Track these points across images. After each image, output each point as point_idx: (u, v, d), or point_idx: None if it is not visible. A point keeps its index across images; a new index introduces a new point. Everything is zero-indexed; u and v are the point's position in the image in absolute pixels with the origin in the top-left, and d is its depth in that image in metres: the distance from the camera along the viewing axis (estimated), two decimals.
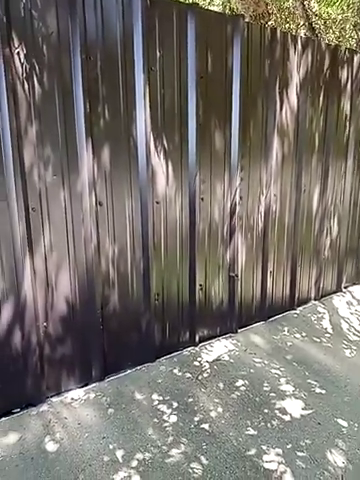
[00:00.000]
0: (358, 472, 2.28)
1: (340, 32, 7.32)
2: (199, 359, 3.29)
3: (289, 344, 3.59)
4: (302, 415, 2.70)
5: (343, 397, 2.90)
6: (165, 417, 2.63)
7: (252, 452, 2.37)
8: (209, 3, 7.11)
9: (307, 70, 3.73)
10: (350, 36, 7.27)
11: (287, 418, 2.67)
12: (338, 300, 4.56)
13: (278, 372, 3.16)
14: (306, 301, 4.41)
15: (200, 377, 3.05)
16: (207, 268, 3.43)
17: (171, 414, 2.65)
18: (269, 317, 4.01)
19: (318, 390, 2.96)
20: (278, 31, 3.46)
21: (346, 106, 4.22)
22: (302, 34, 6.65)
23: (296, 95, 3.72)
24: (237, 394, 2.88)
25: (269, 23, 5.89)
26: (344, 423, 2.64)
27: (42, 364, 2.68)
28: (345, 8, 6.30)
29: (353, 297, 4.67)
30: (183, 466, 2.26)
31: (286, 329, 3.86)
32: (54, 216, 2.56)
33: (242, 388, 2.94)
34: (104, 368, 2.95)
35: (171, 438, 2.45)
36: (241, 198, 3.50)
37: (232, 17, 3.21)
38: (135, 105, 2.75)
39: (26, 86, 2.32)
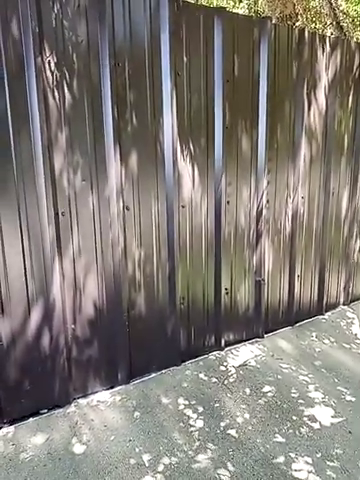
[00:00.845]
0: None
1: None
2: (225, 364, 3.26)
3: (317, 350, 3.52)
4: (332, 423, 2.63)
5: None
6: (191, 422, 2.62)
7: (280, 460, 2.33)
8: (233, 6, 7.09)
9: (336, 70, 3.66)
10: None
11: (316, 426, 2.61)
12: None
13: (306, 378, 3.09)
14: (335, 306, 4.31)
15: (226, 382, 3.02)
16: (233, 272, 3.41)
17: (197, 419, 2.64)
18: (296, 322, 3.94)
19: (348, 398, 2.88)
20: (306, 32, 3.41)
21: None
22: (329, 33, 6.54)
23: (324, 96, 3.65)
24: (264, 400, 2.83)
25: (296, 24, 5.83)
26: None
27: (69, 366, 2.72)
28: None
29: None
30: (209, 472, 2.24)
31: (314, 334, 3.78)
32: (83, 220, 2.60)
33: (269, 394, 2.90)
34: (130, 371, 2.97)
35: (197, 443, 2.44)
36: (268, 201, 3.46)
37: (259, 20, 3.19)
38: (162, 110, 2.77)
39: (56, 94, 2.38)
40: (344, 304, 4.39)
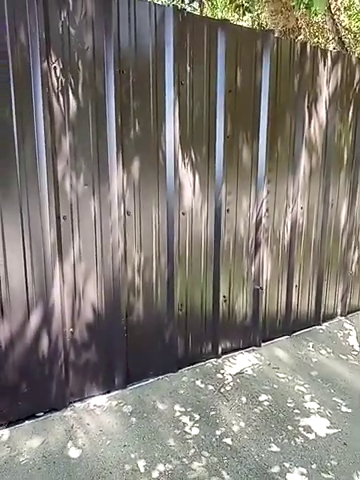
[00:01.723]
0: None
1: None
2: (222, 371, 3.26)
3: (314, 360, 3.52)
4: (327, 434, 2.63)
5: None
6: (187, 429, 2.61)
7: (275, 470, 2.33)
8: (238, 19, 7.21)
9: (337, 84, 3.72)
10: None
11: (311, 436, 2.60)
12: None
13: (302, 388, 3.10)
14: (332, 317, 4.32)
15: (222, 390, 3.02)
16: (231, 280, 3.42)
17: (193, 426, 2.64)
18: (294, 332, 3.94)
19: (344, 409, 2.88)
20: (308, 46, 3.47)
21: None
22: (331, 48, 6.64)
23: (325, 109, 3.71)
24: (260, 409, 2.83)
25: (299, 38, 5.92)
26: None
27: (67, 369, 2.72)
28: None
29: None
30: (204, 479, 2.23)
31: (311, 345, 3.79)
32: (84, 225, 2.62)
33: (265, 403, 2.90)
34: (127, 376, 2.97)
35: (192, 450, 2.44)
36: (267, 211, 3.49)
37: (262, 32, 3.25)
38: (165, 118, 2.82)
39: (61, 99, 2.42)
40: (341, 315, 4.40)
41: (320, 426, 2.70)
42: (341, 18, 7.06)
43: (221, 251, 3.27)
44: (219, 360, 3.41)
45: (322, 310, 4.15)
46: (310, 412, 2.83)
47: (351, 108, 3.91)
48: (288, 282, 3.81)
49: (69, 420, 2.64)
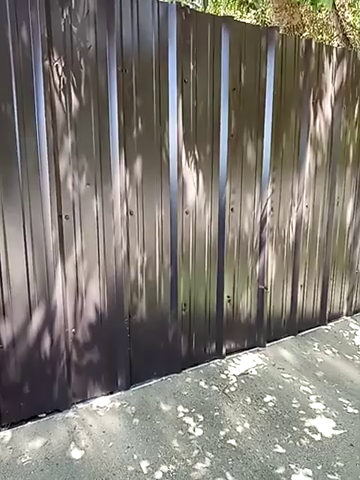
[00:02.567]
0: None
1: None
2: (226, 372, 3.23)
3: (320, 360, 3.48)
4: (333, 435, 2.60)
5: None
6: (190, 430, 2.59)
7: (280, 471, 2.30)
8: (241, 16, 7.16)
9: (342, 81, 3.67)
10: None
11: (317, 437, 2.57)
12: None
13: (308, 389, 3.06)
14: (338, 316, 4.27)
15: (227, 390, 2.99)
16: (235, 280, 3.39)
17: (197, 427, 2.61)
18: (299, 332, 3.91)
19: (350, 410, 2.84)
20: (313, 42, 3.43)
21: None
22: (336, 45, 6.58)
23: (330, 107, 3.67)
24: (265, 410, 2.80)
25: (303, 35, 5.87)
26: None
27: (69, 370, 2.71)
28: None
29: None
30: None
31: (316, 345, 3.75)
32: (86, 224, 2.60)
33: (270, 404, 2.87)
34: (130, 377, 2.95)
35: (196, 451, 2.41)
36: (272, 209, 3.45)
37: (266, 29, 3.21)
38: (168, 116, 2.79)
39: (63, 98, 2.40)
40: (347, 315, 4.36)
41: (326, 427, 2.67)
42: (346, 15, 6.99)
43: (225, 250, 3.24)
44: (223, 361, 3.39)
45: (328, 310, 4.11)
46: (316, 413, 2.80)
47: (356, 105, 3.86)
48: (293, 281, 3.77)
49: (72, 421, 2.62)
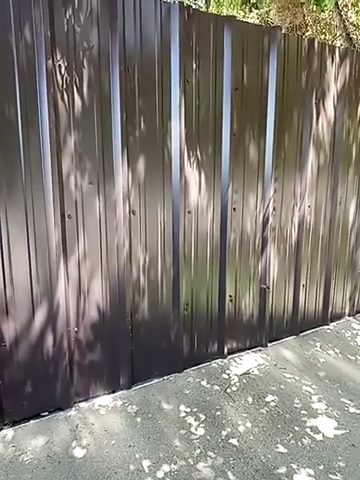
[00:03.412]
0: None
1: None
2: (228, 372, 3.24)
3: (322, 360, 3.48)
4: (335, 435, 2.59)
5: None
6: (192, 429, 2.59)
7: (282, 471, 2.30)
8: (244, 16, 7.16)
9: (345, 81, 3.67)
10: None
11: (319, 437, 2.57)
12: None
13: (310, 389, 3.06)
14: (340, 316, 4.27)
15: (228, 390, 3.00)
16: (237, 279, 3.39)
17: (198, 426, 2.62)
18: (301, 332, 3.90)
19: (352, 410, 2.84)
20: (315, 42, 3.42)
21: None
22: (339, 44, 6.56)
23: (333, 106, 3.66)
24: (266, 409, 2.80)
25: (306, 34, 5.86)
26: None
27: (71, 369, 2.71)
28: None
29: None
30: None
31: (318, 345, 3.74)
32: (89, 223, 2.61)
33: (272, 404, 2.87)
34: (131, 376, 2.96)
35: (198, 451, 2.42)
36: (274, 209, 3.45)
37: (269, 29, 3.21)
38: (170, 116, 2.79)
39: (66, 98, 2.41)
40: (349, 315, 4.35)
41: (328, 427, 2.66)
42: (349, 14, 6.98)
43: (227, 250, 3.24)
44: (225, 360, 3.39)
45: (330, 310, 4.11)
46: (317, 413, 2.80)
47: (359, 105, 3.85)
48: (295, 281, 3.77)
49: (74, 420, 2.63)
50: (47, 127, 2.33)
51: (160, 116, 2.77)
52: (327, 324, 4.11)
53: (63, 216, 2.51)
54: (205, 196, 3.09)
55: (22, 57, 2.23)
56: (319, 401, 2.92)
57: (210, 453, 2.41)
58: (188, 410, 2.76)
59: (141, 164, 2.75)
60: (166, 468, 2.28)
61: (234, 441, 2.51)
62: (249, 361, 3.41)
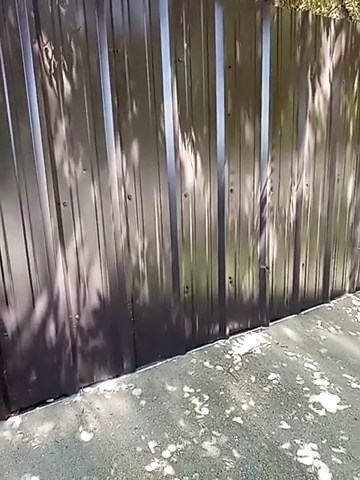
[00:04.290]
0: None
1: None
2: (230, 352, 3.27)
3: (323, 338, 3.51)
4: (338, 410, 2.63)
5: None
6: (196, 409, 2.63)
7: (286, 446, 2.34)
8: None
9: (341, 54, 3.58)
10: None
11: (322, 413, 2.61)
12: None
13: (312, 366, 3.09)
14: (340, 294, 4.29)
15: (231, 370, 3.03)
16: (237, 261, 3.39)
17: (202, 406, 2.65)
18: (301, 310, 3.93)
19: (354, 385, 2.88)
20: (310, 15, 3.33)
21: None
22: (335, 17, 6.39)
23: (329, 81, 3.59)
24: (269, 387, 2.84)
25: (300, 7, 5.69)
26: None
27: (75, 355, 2.74)
28: None
29: None
30: (215, 458, 2.25)
31: (319, 322, 3.77)
32: (84, 210, 2.59)
33: (274, 382, 2.90)
34: (135, 360, 2.99)
35: (203, 430, 2.45)
36: (272, 189, 3.42)
37: (261, 2, 3.12)
38: (163, 97, 2.74)
39: (55, 82, 2.35)
40: (350, 292, 4.37)
41: (330, 403, 2.70)
42: None
43: (225, 232, 3.23)
44: (227, 341, 3.42)
45: (330, 288, 4.12)
46: (320, 389, 2.83)
47: (356, 79, 3.78)
48: (295, 261, 3.77)
49: (79, 405, 2.67)
50: (37, 114, 2.29)
51: (152, 98, 2.71)
52: (328, 302, 4.13)
53: (58, 204, 2.49)
54: (201, 178, 3.06)
55: (7, 41, 2.16)
56: (321, 378, 2.96)
57: (215, 432, 2.45)
58: (192, 391, 2.80)
59: (135, 148, 2.71)
60: (172, 448, 2.32)
61: (238, 419, 2.55)
62: (251, 341, 3.44)
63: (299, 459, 2.25)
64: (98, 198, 2.62)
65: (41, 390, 2.66)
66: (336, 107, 3.68)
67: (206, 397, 2.74)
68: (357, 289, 4.42)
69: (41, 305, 2.55)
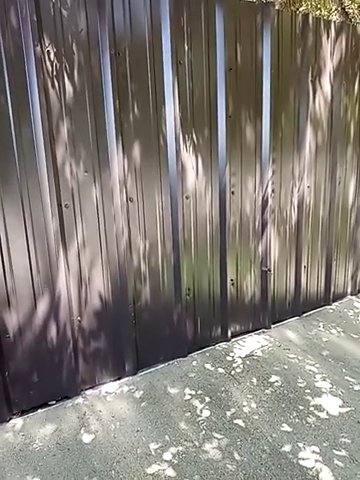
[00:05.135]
0: None
1: None
2: (232, 354, 3.26)
3: (325, 340, 3.49)
4: (340, 413, 2.62)
5: None
6: (198, 411, 2.62)
7: (287, 449, 2.33)
8: None
9: (341, 56, 3.59)
10: None
11: (323, 415, 2.59)
12: None
13: (313, 368, 3.08)
14: (342, 296, 4.28)
15: (233, 372, 3.02)
16: (238, 263, 3.39)
17: (204, 409, 2.64)
18: (303, 312, 3.92)
19: (357, 387, 2.86)
20: (310, 17, 3.34)
21: None
22: (335, 19, 6.41)
23: (330, 83, 3.59)
24: (271, 390, 2.83)
25: (300, 10, 5.71)
26: None
27: (76, 358, 2.74)
28: None
29: None
30: (217, 461, 2.24)
31: (321, 325, 3.76)
32: (86, 212, 2.60)
33: (276, 384, 2.89)
34: (137, 362, 2.98)
35: (204, 433, 2.45)
36: (273, 191, 3.42)
37: (262, 5, 3.13)
38: (164, 100, 2.74)
39: (57, 84, 2.36)
40: (352, 294, 4.36)
41: (332, 405, 2.69)
42: None
43: (227, 234, 3.23)
44: (229, 343, 3.41)
45: (332, 290, 4.11)
46: (322, 391, 2.82)
47: (357, 81, 3.78)
48: (296, 263, 3.76)
49: (81, 407, 2.66)
50: (39, 115, 2.30)
51: (153, 100, 2.72)
52: (329, 304, 4.12)
53: (60, 206, 2.49)
54: (203, 180, 3.06)
55: (9, 44, 2.18)
56: (323, 380, 2.95)
57: (216, 434, 2.44)
58: (193, 393, 2.79)
59: (136, 150, 2.72)
60: (173, 450, 2.31)
61: (240, 422, 2.54)
62: (253, 343, 3.43)
63: (301, 462, 2.24)
64: (100, 200, 2.63)
65: (43, 392, 2.65)
66: (337, 109, 3.68)
67: (208, 399, 2.73)
68: (359, 291, 4.41)
69: (43, 307, 2.56)
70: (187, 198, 3.00)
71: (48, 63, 2.30)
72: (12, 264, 2.41)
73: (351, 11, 6.56)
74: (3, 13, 2.14)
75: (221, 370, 3.05)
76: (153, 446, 2.34)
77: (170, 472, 2.17)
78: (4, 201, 2.32)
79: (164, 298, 3.05)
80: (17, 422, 2.54)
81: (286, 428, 2.48)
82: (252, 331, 3.60)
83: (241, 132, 3.17)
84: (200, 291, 3.23)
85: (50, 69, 2.32)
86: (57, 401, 2.72)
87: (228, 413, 2.61)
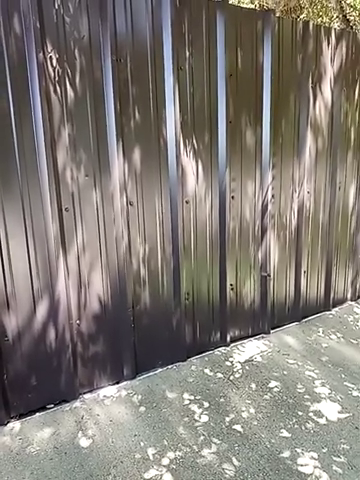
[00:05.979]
0: None
1: None
2: (231, 359, 3.25)
3: (324, 345, 3.49)
4: (339, 419, 2.61)
5: None
6: (196, 416, 2.61)
7: (286, 455, 2.32)
8: (239, 1, 7.03)
9: (341, 63, 3.61)
10: None
11: (322, 421, 2.58)
12: None
13: (313, 374, 3.07)
14: (342, 302, 4.27)
15: (232, 377, 3.01)
16: (238, 268, 3.39)
17: (202, 414, 2.64)
18: (303, 318, 3.91)
19: (356, 393, 2.85)
20: (310, 24, 3.37)
21: None
22: (336, 26, 6.45)
23: (330, 89, 3.61)
24: (270, 395, 2.82)
25: (301, 17, 5.76)
26: None
27: (75, 361, 2.74)
28: None
29: None
30: (215, 466, 2.23)
31: (321, 330, 3.75)
32: (86, 216, 2.61)
33: (275, 389, 2.88)
34: (135, 366, 2.98)
35: (202, 438, 2.44)
36: (273, 196, 3.43)
37: (262, 12, 3.16)
38: (165, 105, 2.76)
39: (58, 90, 2.38)
40: (351, 300, 4.35)
41: (331, 411, 2.68)
42: None
43: (227, 239, 3.23)
44: (228, 348, 3.41)
45: (332, 295, 4.11)
46: (321, 397, 2.81)
47: (357, 87, 3.80)
48: (296, 268, 3.77)
49: (79, 411, 2.66)
50: (40, 120, 2.32)
51: (154, 105, 2.74)
52: (329, 309, 4.11)
53: (60, 209, 2.50)
54: (203, 185, 3.07)
55: (12, 49, 2.20)
56: (322, 386, 2.94)
57: (215, 439, 2.43)
58: (192, 398, 2.78)
59: (137, 154, 2.73)
60: (171, 455, 2.31)
61: (238, 427, 2.53)
62: (252, 348, 3.43)
63: (299, 468, 2.23)
64: (100, 204, 2.64)
65: (41, 395, 2.65)
66: (337, 115, 3.70)
67: (206, 404, 2.73)
68: (359, 297, 4.40)
69: (42, 310, 2.56)
70: (187, 203, 3.02)
71: (50, 69, 2.33)
72: (12, 267, 2.41)
73: (352, 18, 6.61)
74: (6, 20, 2.16)
75: (220, 375, 3.04)
76: (151, 451, 2.34)
77: (168, 477, 2.16)
78: (5, 204, 2.33)
79: (163, 302, 3.05)
80: (15, 425, 2.54)
81: (285, 434, 2.48)
82: (251, 336, 3.59)
83: (241, 137, 3.18)
84: (199, 296, 3.23)
85: (52, 75, 2.34)
86: (55, 405, 2.71)
87: (227, 418, 2.60)
